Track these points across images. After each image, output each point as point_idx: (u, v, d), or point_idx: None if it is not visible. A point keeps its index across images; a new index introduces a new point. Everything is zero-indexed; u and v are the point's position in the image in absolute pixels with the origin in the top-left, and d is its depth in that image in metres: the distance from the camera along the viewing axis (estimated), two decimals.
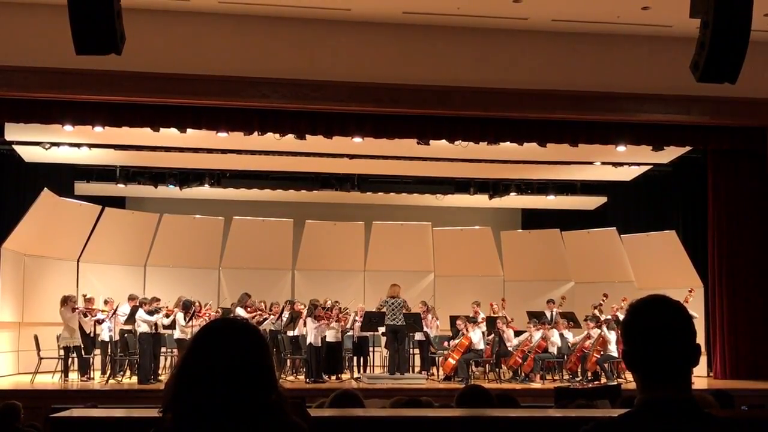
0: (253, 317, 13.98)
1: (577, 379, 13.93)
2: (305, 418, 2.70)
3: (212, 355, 2.07)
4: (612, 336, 13.65)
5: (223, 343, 2.10)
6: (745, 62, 6.24)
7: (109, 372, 13.37)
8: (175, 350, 14.08)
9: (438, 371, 14.48)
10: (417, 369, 14.59)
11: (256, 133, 13.03)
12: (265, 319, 14.34)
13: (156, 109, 12.28)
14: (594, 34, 12.47)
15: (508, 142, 13.54)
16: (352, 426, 3.85)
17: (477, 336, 13.87)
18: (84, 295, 14.07)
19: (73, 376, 13.25)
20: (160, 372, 13.52)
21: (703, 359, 13.89)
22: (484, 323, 14.37)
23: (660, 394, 2.05)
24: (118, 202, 17.98)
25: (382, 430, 3.87)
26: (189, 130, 12.89)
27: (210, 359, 2.06)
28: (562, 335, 14.34)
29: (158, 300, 13.55)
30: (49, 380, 13.11)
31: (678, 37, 11.47)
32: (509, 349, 14.18)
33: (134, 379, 13.22)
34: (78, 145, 14.67)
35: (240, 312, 14.07)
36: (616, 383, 12.03)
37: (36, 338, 13.51)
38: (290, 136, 13.33)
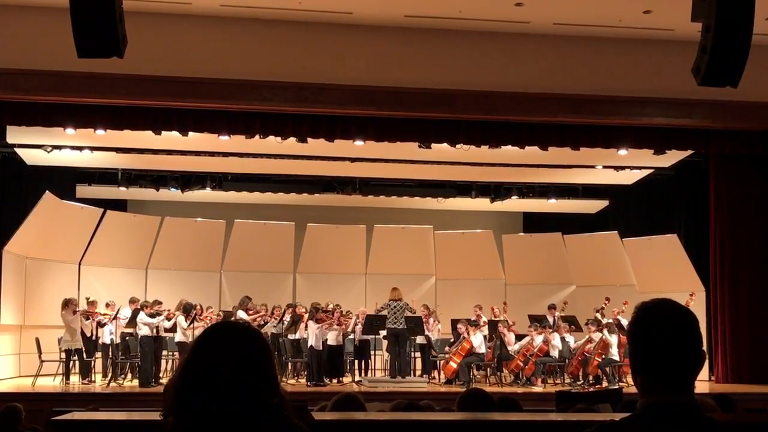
0: (255, 320, 13.98)
1: (579, 382, 13.90)
2: (308, 422, 2.70)
3: (214, 358, 2.07)
4: (613, 340, 13.64)
5: (225, 347, 2.10)
6: (747, 66, 6.24)
7: (110, 375, 13.36)
8: (176, 353, 14.10)
9: (439, 375, 14.47)
10: (418, 372, 14.58)
11: (257, 136, 13.04)
12: (267, 322, 14.34)
13: (158, 112, 12.29)
14: (596, 38, 12.48)
15: (509, 146, 13.54)
16: (353, 429, 3.85)
17: (478, 339, 13.86)
18: (87, 298, 14.07)
19: (75, 379, 13.25)
20: (161, 375, 13.51)
21: (705, 363, 13.87)
22: (486, 327, 14.36)
23: (663, 398, 2.05)
24: (120, 205, 17.99)
25: None
26: (191, 133, 12.89)
27: (212, 362, 2.06)
28: (563, 339, 14.33)
29: (160, 303, 13.53)
30: (51, 383, 13.12)
31: (680, 40, 11.47)
32: (510, 352, 14.17)
33: (135, 382, 13.20)
34: (80, 148, 14.68)
35: (241, 315, 14.07)
36: (617, 387, 12.03)
37: (37, 341, 13.51)
38: (292, 139, 13.33)
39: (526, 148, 13.57)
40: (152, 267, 16.85)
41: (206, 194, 17.49)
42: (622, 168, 16.07)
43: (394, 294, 13.84)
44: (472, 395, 4.67)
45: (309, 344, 13.41)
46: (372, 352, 14.98)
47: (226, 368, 2.04)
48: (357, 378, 14.45)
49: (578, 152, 13.79)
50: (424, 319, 14.33)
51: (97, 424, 4.02)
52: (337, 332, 13.89)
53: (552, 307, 15.49)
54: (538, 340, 14.02)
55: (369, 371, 14.88)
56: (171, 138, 13.30)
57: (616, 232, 17.02)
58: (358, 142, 13.39)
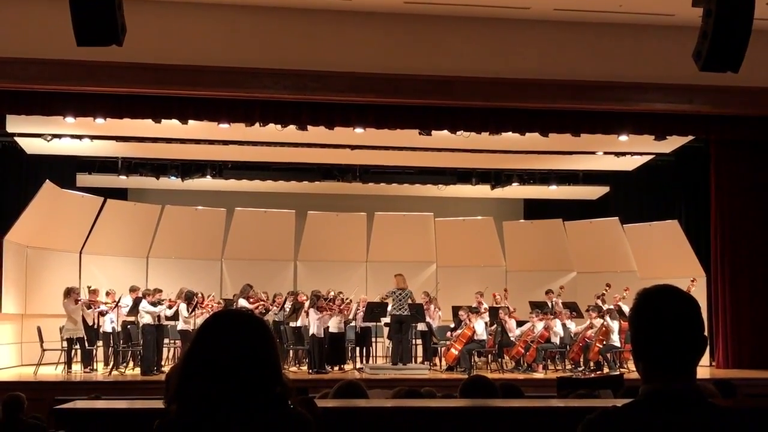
0: (257, 308, 13.99)
1: (580, 369, 13.95)
2: (313, 412, 2.70)
3: (218, 346, 2.07)
4: (614, 326, 13.67)
5: (228, 335, 2.10)
6: (748, 51, 6.24)
7: (112, 363, 13.40)
8: (178, 341, 14.12)
9: (440, 361, 14.50)
10: (419, 359, 14.61)
11: (257, 124, 13.02)
12: (268, 310, 14.36)
13: (157, 100, 12.26)
14: (596, 24, 12.43)
15: (510, 132, 13.52)
16: (356, 416, 3.86)
17: (480, 326, 13.87)
18: (89, 287, 14.09)
19: (76, 367, 13.28)
20: (163, 363, 13.53)
21: (706, 349, 13.89)
22: (487, 313, 14.37)
23: (665, 384, 2.05)
24: (120, 194, 17.98)
25: (388, 420, 3.87)
26: (190, 122, 12.87)
27: (215, 350, 2.06)
28: (564, 325, 14.35)
29: (160, 291, 13.56)
30: (53, 372, 13.14)
31: (681, 26, 11.43)
32: (512, 339, 14.18)
33: (137, 370, 13.24)
34: (80, 137, 14.68)
35: (243, 303, 14.09)
36: (618, 373, 12.06)
37: (39, 330, 13.53)
38: (292, 127, 13.31)
39: (527, 134, 13.53)
40: (153, 255, 16.86)
41: (206, 182, 17.49)
42: (623, 154, 16.04)
43: (400, 281, 13.84)
44: (474, 382, 4.68)
45: (310, 332, 13.44)
46: (373, 340, 15.01)
47: (230, 356, 2.04)
48: (358, 365, 14.48)
49: (579, 138, 13.76)
50: (425, 307, 14.35)
51: (99, 413, 4.04)
52: (339, 319, 13.92)
53: (549, 292, 15.52)
54: (539, 326, 14.05)
55: (370, 358, 14.91)
56: (171, 126, 13.29)
57: (617, 218, 17.01)
58: (358, 130, 13.37)
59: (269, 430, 2.05)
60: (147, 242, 16.82)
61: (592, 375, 12.63)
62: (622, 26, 12.45)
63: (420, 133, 13.71)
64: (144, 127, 13.39)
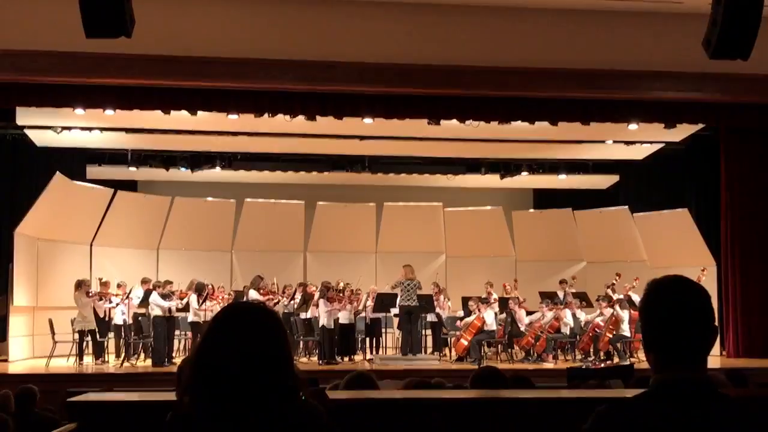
0: (267, 299, 14.02)
1: (590, 359, 13.93)
2: (324, 404, 2.71)
3: (229, 339, 2.08)
4: (625, 315, 13.64)
5: (240, 327, 2.10)
6: (758, 38, 6.20)
7: (123, 355, 13.45)
8: (189, 333, 14.17)
9: (450, 352, 14.51)
10: (429, 350, 14.62)
11: (266, 115, 13.03)
12: (278, 301, 14.38)
13: (166, 91, 12.28)
14: (605, 12, 12.36)
15: (519, 121, 13.50)
16: (367, 408, 3.86)
17: (490, 317, 13.87)
18: (99, 279, 14.13)
19: (88, 359, 13.34)
20: (174, 354, 13.58)
21: (716, 339, 13.86)
22: (497, 304, 14.37)
23: (676, 375, 2.05)
24: (130, 186, 18.02)
25: (398, 411, 3.88)
26: (199, 113, 12.90)
27: (227, 343, 2.07)
28: (574, 315, 14.33)
29: (171, 283, 13.59)
30: (64, 364, 13.19)
31: (690, 13, 11.35)
32: (521, 329, 14.18)
33: (148, 361, 13.29)
34: (89, 129, 14.71)
35: (253, 294, 14.11)
36: (628, 363, 12.05)
37: (50, 322, 13.58)
38: (301, 118, 13.32)
39: (536, 123, 13.51)
40: (163, 247, 16.90)
41: (216, 174, 17.51)
42: (633, 143, 16.00)
43: (407, 272, 13.83)
44: (484, 373, 4.69)
45: (320, 323, 13.45)
46: (383, 330, 15.02)
47: (241, 349, 2.05)
48: (368, 356, 14.50)
49: (588, 127, 13.72)
50: (434, 297, 14.35)
51: (111, 405, 4.05)
52: (349, 310, 13.93)
53: (563, 282, 15.50)
54: (549, 316, 14.04)
55: (380, 349, 14.93)
56: (180, 117, 13.32)
57: (626, 207, 16.97)
58: (367, 120, 13.36)
59: (281, 422, 2.06)
60: (157, 234, 16.86)
61: (602, 365, 12.62)
62: (631, 14, 12.38)
63: (429, 123, 13.69)
64: (153, 118, 13.42)
